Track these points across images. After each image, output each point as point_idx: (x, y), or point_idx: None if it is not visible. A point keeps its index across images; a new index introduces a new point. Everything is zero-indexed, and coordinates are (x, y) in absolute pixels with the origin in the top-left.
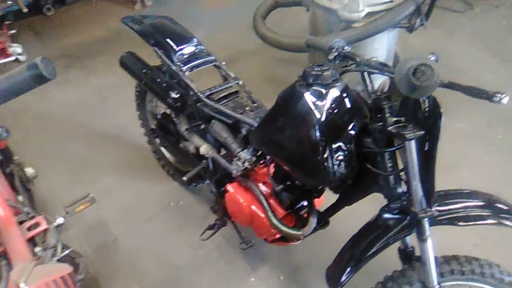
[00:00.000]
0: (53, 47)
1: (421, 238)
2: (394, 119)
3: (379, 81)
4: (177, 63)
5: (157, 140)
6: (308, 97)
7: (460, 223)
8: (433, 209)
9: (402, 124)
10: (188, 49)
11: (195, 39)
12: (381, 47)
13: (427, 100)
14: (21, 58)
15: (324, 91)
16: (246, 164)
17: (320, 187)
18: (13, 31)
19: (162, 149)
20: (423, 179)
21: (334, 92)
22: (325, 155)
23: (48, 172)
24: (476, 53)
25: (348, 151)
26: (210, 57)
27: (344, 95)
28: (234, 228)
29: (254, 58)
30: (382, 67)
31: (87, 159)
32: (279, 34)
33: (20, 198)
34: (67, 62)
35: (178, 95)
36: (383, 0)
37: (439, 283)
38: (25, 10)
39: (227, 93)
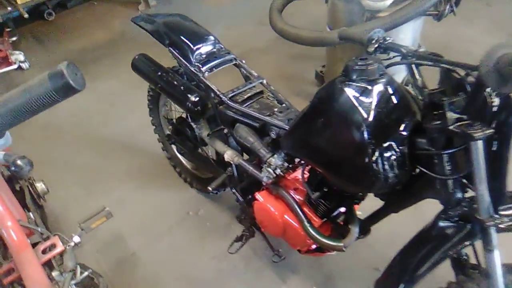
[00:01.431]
0: (56, 52)
1: (488, 249)
2: (456, 116)
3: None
4: (195, 64)
5: (173, 147)
6: (352, 95)
7: None
8: (501, 216)
9: (466, 122)
10: (205, 48)
11: (212, 37)
12: (406, 38)
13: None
14: (24, 65)
15: (370, 87)
16: (278, 171)
17: (361, 193)
18: (14, 38)
19: (178, 155)
20: (490, 183)
21: (381, 88)
22: (374, 158)
23: (58, 185)
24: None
25: (400, 153)
26: (230, 56)
27: (392, 91)
28: (264, 239)
29: (266, 55)
30: (434, 58)
31: (99, 169)
32: (298, 28)
33: (32, 216)
34: None
35: (198, 98)
36: None
37: None
38: (26, 15)
39: (251, 94)
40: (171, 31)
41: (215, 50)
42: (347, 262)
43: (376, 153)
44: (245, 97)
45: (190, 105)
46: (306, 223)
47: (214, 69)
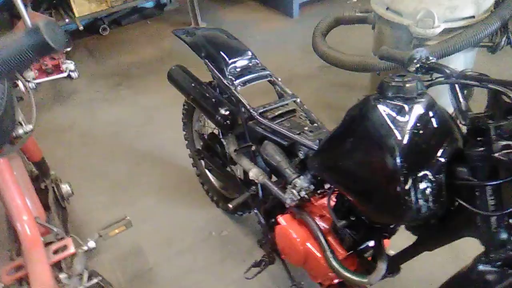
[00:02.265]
0: (106, 65)
1: None
2: (503, 143)
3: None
4: (229, 77)
5: (202, 162)
6: (386, 113)
7: None
8: None
9: None
10: (241, 62)
11: (249, 52)
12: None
13: None
14: (73, 74)
15: (406, 107)
16: (303, 193)
17: (393, 226)
18: (68, 49)
19: (207, 172)
20: None
21: (419, 109)
22: (407, 187)
23: (86, 191)
24: None
25: (437, 182)
26: (265, 72)
27: (432, 113)
28: (284, 267)
29: (309, 81)
30: (481, 78)
31: (128, 180)
32: (340, 52)
33: (52, 216)
34: (118, 80)
35: (228, 112)
36: (463, 15)
37: None
38: (81, 28)
39: (283, 111)
40: (209, 43)
41: (250, 64)
42: None
43: (409, 180)
44: (276, 114)
45: (219, 118)
46: (328, 253)
47: (247, 83)
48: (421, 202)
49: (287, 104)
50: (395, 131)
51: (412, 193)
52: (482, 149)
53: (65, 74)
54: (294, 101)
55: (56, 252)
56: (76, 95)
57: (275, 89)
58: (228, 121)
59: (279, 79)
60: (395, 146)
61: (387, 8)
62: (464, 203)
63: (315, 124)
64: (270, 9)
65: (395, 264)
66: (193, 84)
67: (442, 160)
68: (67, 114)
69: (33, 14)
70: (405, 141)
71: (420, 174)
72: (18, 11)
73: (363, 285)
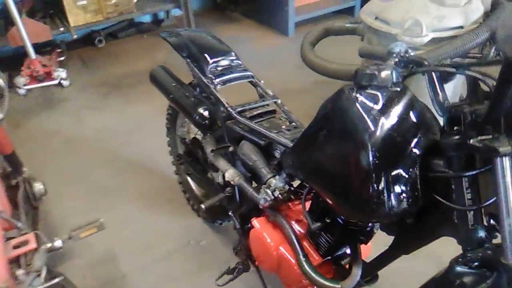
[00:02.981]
0: (98, 75)
1: None
2: (478, 128)
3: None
4: (209, 75)
5: (183, 167)
6: (360, 103)
7: None
8: None
9: (490, 137)
10: (223, 62)
11: (232, 53)
12: (447, 87)
13: None
14: (64, 83)
15: (380, 96)
16: (277, 193)
17: (368, 228)
18: (62, 58)
19: (189, 180)
20: None
21: (393, 98)
22: (380, 181)
23: (64, 196)
24: None
25: (411, 176)
26: (247, 73)
27: (407, 103)
28: (258, 274)
29: (304, 96)
30: (459, 65)
31: (109, 186)
32: (327, 61)
33: (20, 213)
34: (108, 89)
35: (206, 111)
36: (451, 25)
37: None
38: (74, 36)
39: (262, 111)
40: (192, 43)
41: (232, 65)
42: None
43: (382, 174)
44: (255, 113)
45: (197, 117)
46: (301, 256)
47: (227, 83)
48: (394, 197)
49: (267, 105)
50: (368, 122)
51: (385, 188)
52: (457, 137)
53: (56, 82)
54: (275, 102)
55: (17, 247)
56: (65, 103)
57: (257, 90)
58: (206, 121)
59: (261, 81)
60: (367, 137)
61: (376, 18)
62: (440, 198)
63: (293, 124)
64: (266, 28)
65: (372, 270)
66: (173, 84)
67: (417, 152)
68: (54, 120)
69: (27, 21)
70: (378, 133)
71: (393, 167)
72: (12, 18)
73: None
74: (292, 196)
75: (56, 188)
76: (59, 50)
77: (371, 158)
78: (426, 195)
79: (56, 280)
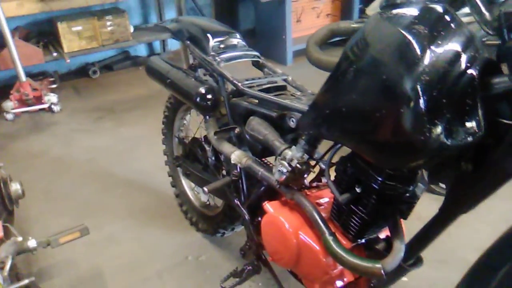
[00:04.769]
0: (91, 102)
1: None
2: None
3: None
4: (211, 53)
5: (179, 170)
6: (395, 21)
7: None
8: None
9: None
10: (226, 41)
11: (237, 34)
12: None
13: None
14: (55, 108)
15: (418, 11)
16: (294, 163)
17: (409, 194)
18: (53, 86)
19: (187, 190)
20: None
21: (433, 14)
22: (430, 106)
23: (49, 213)
24: None
25: (468, 98)
26: (253, 52)
27: (449, 18)
28: (271, 274)
29: None
30: None
31: (98, 204)
32: (336, 56)
33: None
34: (100, 114)
35: (208, 91)
36: None
37: None
38: (68, 60)
39: (271, 86)
40: (192, 26)
41: (236, 44)
42: None
43: (432, 96)
44: (264, 87)
45: (198, 98)
46: (327, 235)
47: (231, 60)
48: (450, 125)
49: (276, 82)
50: (409, 39)
51: (438, 114)
52: None
53: (46, 106)
54: (285, 79)
55: None
56: (55, 126)
57: (263, 72)
58: (208, 102)
59: (268, 62)
60: (410, 57)
61: None
62: (507, 121)
63: (309, 91)
64: (265, 58)
65: (415, 250)
66: (170, 69)
67: (473, 72)
68: (42, 142)
69: (19, 42)
70: (421, 51)
71: (446, 89)
72: (4, 39)
73: (378, 272)
74: (312, 169)
75: (40, 207)
76: (51, 79)
77: (417, 80)
78: (489, 123)
79: (26, 281)
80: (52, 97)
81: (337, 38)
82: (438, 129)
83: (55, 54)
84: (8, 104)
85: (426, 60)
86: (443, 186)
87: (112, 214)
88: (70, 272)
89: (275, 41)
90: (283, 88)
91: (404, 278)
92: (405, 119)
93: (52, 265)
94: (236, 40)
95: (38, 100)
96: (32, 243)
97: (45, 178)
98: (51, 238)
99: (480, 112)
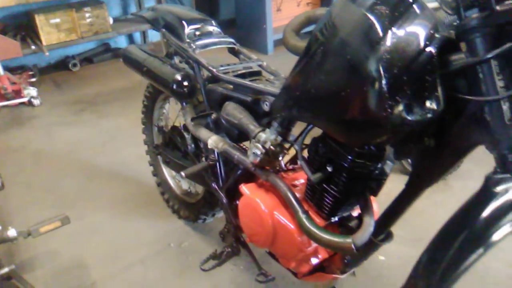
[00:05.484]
0: (71, 95)
1: None
2: None
3: None
4: (187, 40)
5: (160, 159)
6: (357, 2)
7: None
8: None
9: None
10: (202, 29)
11: (212, 21)
12: None
13: None
14: (35, 102)
15: None
16: (268, 145)
17: (378, 171)
18: (33, 79)
19: (168, 178)
20: None
21: None
22: (391, 83)
23: (31, 205)
24: None
25: (426, 74)
26: (228, 39)
27: None
28: (249, 253)
29: None
30: None
31: (80, 195)
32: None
33: None
34: (81, 106)
35: (183, 77)
36: None
37: None
38: (46, 53)
39: (246, 72)
40: (168, 14)
41: (212, 31)
42: None
43: (393, 74)
44: (239, 73)
45: (174, 85)
46: (301, 213)
47: (207, 47)
48: (410, 100)
49: (251, 67)
50: (371, 19)
51: (399, 90)
52: (479, 14)
53: (25, 99)
54: (260, 65)
55: None
56: (35, 120)
57: (239, 58)
58: (185, 89)
59: (243, 48)
60: (372, 36)
61: None
62: (466, 96)
63: (283, 76)
64: (245, 47)
65: (386, 224)
66: (146, 57)
67: (432, 49)
68: (23, 136)
69: None
70: (382, 30)
71: (406, 67)
72: None
73: (349, 246)
74: (286, 150)
75: (22, 199)
76: (30, 73)
77: (378, 60)
78: (449, 99)
79: (6, 269)
80: (32, 91)
81: (314, 25)
82: (399, 106)
83: (33, 47)
84: None
85: (387, 40)
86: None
87: (94, 205)
88: (53, 262)
89: (255, 30)
90: (258, 73)
91: (381, 257)
92: (368, 98)
93: (34, 256)
94: (212, 27)
95: (18, 94)
96: (12, 232)
97: (26, 171)
98: (31, 228)
99: (439, 88)
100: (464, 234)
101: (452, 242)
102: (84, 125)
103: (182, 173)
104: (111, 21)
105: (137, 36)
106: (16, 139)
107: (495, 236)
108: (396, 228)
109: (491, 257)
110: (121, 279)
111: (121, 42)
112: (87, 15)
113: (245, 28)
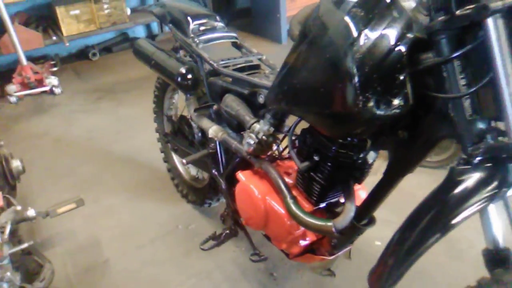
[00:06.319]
0: (90, 83)
1: None
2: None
3: None
4: (191, 35)
5: (170, 146)
6: (335, 3)
7: None
8: None
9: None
10: (206, 24)
11: (216, 17)
12: None
13: None
14: (56, 90)
15: None
16: (261, 135)
17: (361, 160)
18: (55, 68)
19: (178, 165)
20: None
21: None
22: (364, 81)
23: (50, 189)
24: None
25: (397, 72)
26: (231, 33)
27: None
28: (246, 236)
29: None
30: None
31: (96, 179)
32: None
33: None
34: (100, 94)
35: (188, 70)
36: None
37: None
38: (67, 44)
39: (245, 65)
40: (175, 10)
41: (215, 26)
42: None
43: (365, 72)
44: (238, 67)
45: (179, 78)
46: (288, 198)
47: (210, 42)
48: (381, 96)
49: (251, 61)
50: (347, 21)
51: (371, 87)
52: (444, 17)
53: (47, 88)
54: (259, 59)
55: None
56: (56, 108)
57: (241, 52)
58: (189, 81)
59: (245, 43)
60: (346, 37)
61: None
62: (432, 93)
63: (277, 69)
64: (260, 38)
65: (368, 210)
66: (154, 51)
67: (402, 49)
68: (44, 123)
69: (19, 28)
70: (356, 31)
71: (377, 65)
72: (4, 25)
73: (330, 229)
74: (279, 141)
75: (42, 183)
76: (52, 62)
77: (352, 59)
78: (417, 95)
79: (26, 245)
80: (53, 80)
81: None
82: (371, 102)
83: (54, 38)
84: (11, 88)
85: (360, 41)
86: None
87: (109, 189)
88: (70, 241)
89: (270, 20)
90: (257, 67)
91: (377, 242)
92: (343, 94)
93: (53, 235)
94: (216, 22)
95: (40, 83)
96: (31, 212)
97: (47, 156)
98: (49, 209)
99: (408, 85)
100: (428, 217)
101: (418, 223)
102: (102, 113)
103: (184, 160)
104: (128, 12)
105: (154, 26)
106: (38, 126)
107: (454, 220)
108: (392, 215)
109: None
110: (132, 257)
111: (139, 32)
112: (105, 6)
113: (260, 18)
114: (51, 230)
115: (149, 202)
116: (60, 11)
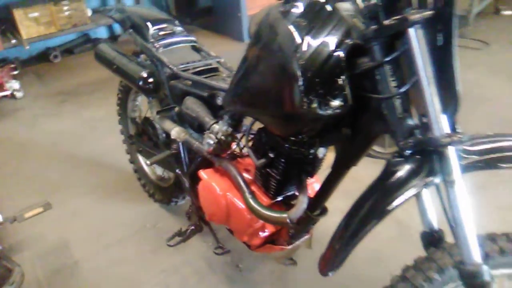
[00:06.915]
0: (53, 86)
1: (448, 179)
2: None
3: None
4: (151, 40)
5: (135, 148)
6: (280, 12)
7: (504, 165)
8: (460, 136)
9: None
10: (165, 29)
11: (175, 21)
12: None
13: None
14: (18, 94)
15: (301, 4)
16: (219, 135)
17: (311, 156)
18: (15, 72)
19: (143, 165)
20: (441, 88)
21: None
22: (306, 84)
23: (17, 194)
24: (498, 82)
25: (336, 76)
26: (190, 37)
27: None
28: (209, 230)
29: None
30: None
31: (61, 183)
32: None
33: None
34: (63, 97)
35: (149, 75)
36: None
37: (485, 263)
38: (27, 47)
39: (204, 68)
40: (135, 15)
41: (174, 31)
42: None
43: (308, 76)
44: (198, 70)
45: (141, 82)
46: (247, 193)
47: (170, 46)
48: (323, 97)
49: (210, 64)
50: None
51: (313, 90)
52: (375, 26)
53: (8, 93)
54: (218, 61)
55: None
56: (18, 112)
57: (201, 55)
58: (150, 85)
59: (204, 46)
60: (290, 44)
61: None
62: (368, 94)
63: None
64: (222, 36)
65: (320, 201)
66: (116, 55)
67: (340, 54)
68: (7, 128)
69: None
70: (299, 39)
71: (318, 69)
72: None
73: (285, 220)
74: (237, 140)
75: (8, 188)
76: (12, 66)
77: (296, 65)
78: (356, 96)
79: None
80: (14, 84)
81: None
82: (314, 103)
83: (13, 41)
84: None
85: (303, 48)
86: (380, 150)
87: (76, 191)
88: (39, 245)
89: (231, 18)
90: (215, 70)
91: None
92: (290, 96)
93: (21, 239)
94: (175, 27)
95: (0, 87)
96: None
97: (11, 162)
98: (16, 214)
99: (347, 88)
100: (369, 204)
101: (360, 211)
102: (66, 116)
103: (148, 161)
104: (89, 13)
105: (117, 26)
106: (2, 130)
107: (390, 206)
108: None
109: None
110: (101, 257)
111: (101, 32)
112: (65, 8)
113: (221, 16)
114: (19, 235)
115: (116, 202)
116: (18, 13)
